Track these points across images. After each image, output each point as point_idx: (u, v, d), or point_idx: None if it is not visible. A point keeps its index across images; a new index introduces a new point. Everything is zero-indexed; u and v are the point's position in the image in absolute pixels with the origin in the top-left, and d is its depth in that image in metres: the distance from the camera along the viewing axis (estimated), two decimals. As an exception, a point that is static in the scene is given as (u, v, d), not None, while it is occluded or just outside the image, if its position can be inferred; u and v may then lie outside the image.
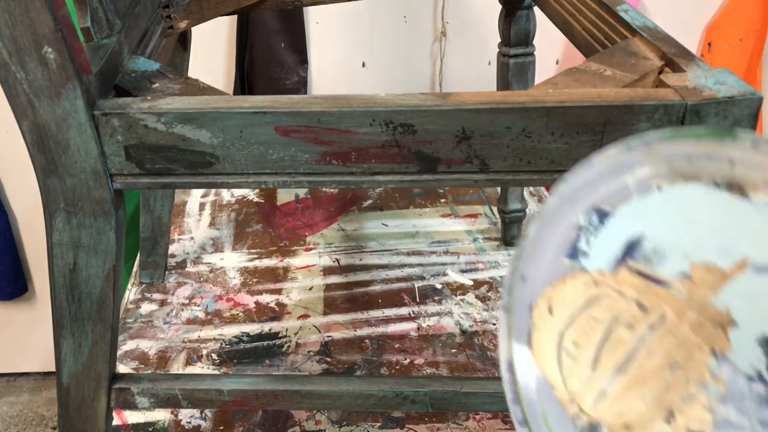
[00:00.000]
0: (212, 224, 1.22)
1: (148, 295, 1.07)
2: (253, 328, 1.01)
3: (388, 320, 1.02)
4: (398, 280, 1.09)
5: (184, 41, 0.95)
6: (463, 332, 0.99)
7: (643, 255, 0.44)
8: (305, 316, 1.02)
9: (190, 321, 1.02)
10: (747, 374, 0.43)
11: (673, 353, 0.43)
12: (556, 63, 1.42)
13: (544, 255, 0.44)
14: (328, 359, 0.95)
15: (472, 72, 1.40)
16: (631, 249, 0.44)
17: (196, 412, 0.88)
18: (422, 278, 1.09)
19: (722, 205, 0.45)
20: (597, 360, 0.42)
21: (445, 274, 1.10)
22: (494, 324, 1.02)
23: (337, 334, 0.99)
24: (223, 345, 0.98)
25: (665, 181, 0.46)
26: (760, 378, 0.43)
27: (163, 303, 1.06)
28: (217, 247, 1.17)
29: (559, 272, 0.43)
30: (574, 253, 0.44)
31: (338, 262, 1.13)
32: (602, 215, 0.45)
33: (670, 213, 0.45)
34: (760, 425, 0.42)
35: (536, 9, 0.98)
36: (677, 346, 0.43)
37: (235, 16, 1.33)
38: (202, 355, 0.96)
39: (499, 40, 1.04)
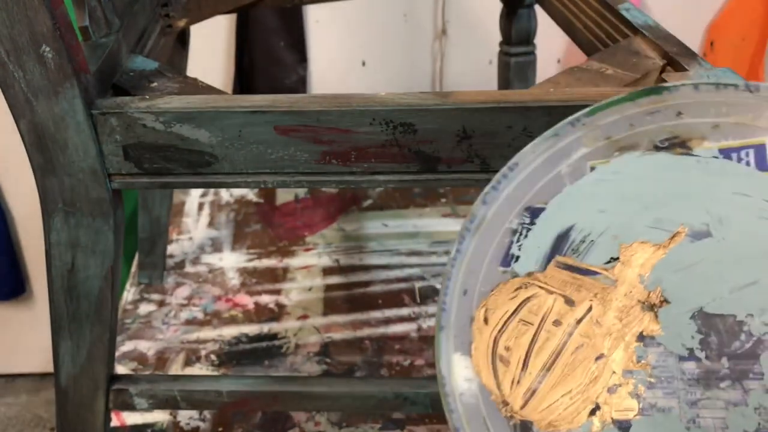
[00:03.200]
0: (211, 224, 1.22)
1: (146, 295, 1.07)
2: (252, 329, 1.00)
3: (388, 321, 1.01)
4: (398, 280, 1.08)
5: (182, 40, 0.95)
6: (464, 333, 0.99)
7: (572, 247, 0.43)
8: (305, 317, 1.02)
9: (189, 322, 1.02)
10: (678, 354, 0.42)
11: (598, 344, 0.42)
12: (558, 62, 1.41)
13: (482, 266, 0.43)
14: (328, 360, 0.95)
15: (472, 71, 1.40)
16: (559, 243, 0.43)
17: (194, 413, 0.88)
18: (423, 279, 1.08)
19: (660, 170, 0.43)
20: (526, 361, 0.42)
21: (445, 275, 1.09)
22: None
23: (336, 335, 0.99)
24: (222, 346, 0.97)
25: (600, 159, 0.43)
26: (692, 356, 0.42)
27: (161, 303, 1.05)
28: (215, 247, 1.16)
29: (494, 281, 0.43)
30: (508, 259, 0.43)
31: (338, 263, 1.12)
32: (534, 213, 0.43)
33: (602, 195, 0.43)
34: (689, 406, 0.41)
35: (537, 7, 0.98)
36: (602, 336, 0.42)
37: (234, 15, 1.32)
38: (200, 356, 0.96)
39: (500, 39, 1.03)
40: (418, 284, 1.08)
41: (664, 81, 0.58)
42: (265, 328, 1.00)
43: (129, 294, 1.07)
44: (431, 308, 1.03)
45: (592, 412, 0.42)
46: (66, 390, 0.66)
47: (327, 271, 1.11)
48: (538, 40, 1.03)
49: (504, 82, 1.05)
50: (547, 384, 0.42)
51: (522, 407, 0.42)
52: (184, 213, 1.25)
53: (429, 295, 1.05)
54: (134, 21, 0.69)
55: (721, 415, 0.41)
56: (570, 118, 0.43)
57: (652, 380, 0.42)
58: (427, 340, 0.98)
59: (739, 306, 0.41)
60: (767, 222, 0.41)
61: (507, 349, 0.43)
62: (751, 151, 0.41)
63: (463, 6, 1.35)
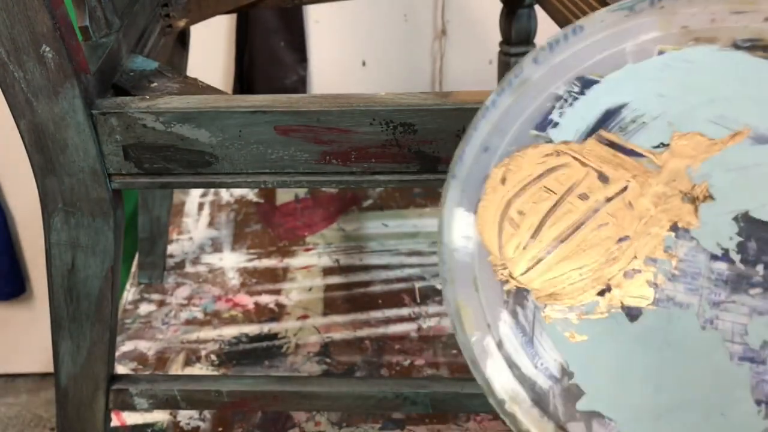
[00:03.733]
0: (211, 224, 1.22)
1: (146, 295, 1.07)
2: (252, 329, 1.00)
3: (388, 321, 1.01)
4: (398, 280, 1.08)
5: (183, 40, 0.95)
6: (464, 333, 0.98)
7: (620, 125, 0.40)
8: (305, 317, 1.02)
9: (189, 322, 1.02)
10: (711, 252, 0.40)
11: (625, 226, 0.40)
12: (557, 62, 1.41)
13: (512, 127, 0.40)
14: (328, 360, 0.95)
15: (472, 71, 1.40)
16: (607, 118, 0.40)
17: (194, 413, 0.88)
18: (423, 279, 1.08)
19: (735, 69, 0.40)
20: (539, 228, 0.40)
21: (445, 275, 1.09)
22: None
23: (336, 335, 0.99)
24: (222, 346, 0.97)
25: (671, 45, 0.40)
26: (726, 257, 0.40)
27: (161, 303, 1.05)
28: (216, 247, 1.16)
29: (523, 143, 0.40)
30: (545, 123, 0.40)
31: (338, 263, 1.12)
32: (586, 84, 0.40)
33: (666, 80, 0.40)
34: (710, 306, 0.39)
35: (537, 7, 0.98)
36: (633, 218, 0.40)
37: (234, 15, 1.32)
38: (200, 356, 0.96)
39: (500, 39, 1.03)
40: (418, 284, 1.08)
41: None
42: (265, 328, 1.00)
43: (129, 294, 1.07)
44: (431, 308, 1.03)
45: (601, 293, 0.40)
46: (66, 390, 0.66)
47: (327, 271, 1.11)
48: (538, 40, 1.03)
49: (504, 82, 1.05)
50: (557, 255, 0.40)
51: (523, 273, 0.40)
52: (184, 213, 1.25)
53: (429, 295, 1.05)
54: (134, 21, 0.69)
55: (743, 321, 0.39)
56: None
57: (676, 273, 0.40)
58: (427, 340, 0.98)
59: None
60: None
61: (520, 213, 0.40)
62: None
63: (463, 6, 1.35)
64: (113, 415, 0.86)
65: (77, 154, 0.56)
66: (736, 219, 0.40)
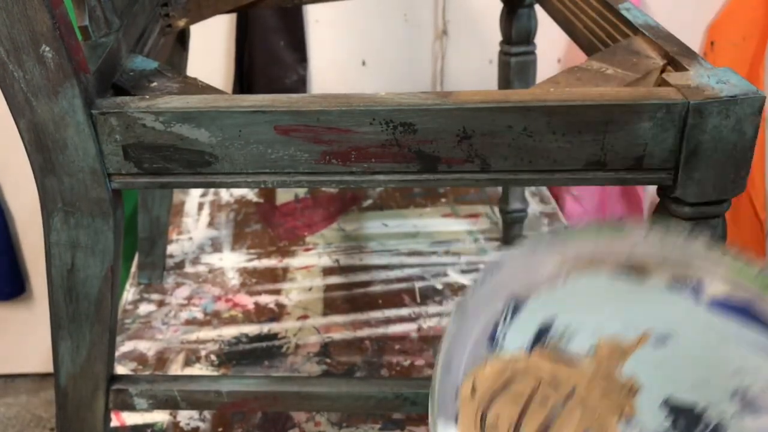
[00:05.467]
0: (211, 224, 1.22)
1: (146, 295, 1.07)
2: (252, 329, 1.00)
3: (388, 321, 1.01)
4: (399, 280, 1.08)
5: (182, 40, 0.95)
6: (464, 333, 0.99)
7: (557, 334, 0.49)
8: (305, 317, 1.02)
9: (189, 322, 1.02)
10: None
11: (585, 421, 0.47)
12: (558, 61, 1.41)
13: (467, 344, 0.48)
14: (328, 360, 0.95)
15: (473, 71, 1.40)
16: (543, 333, 0.49)
17: (194, 413, 0.88)
18: (423, 279, 1.08)
19: (623, 289, 0.50)
20: (518, 427, 0.46)
21: (446, 275, 1.09)
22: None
23: (336, 335, 0.99)
24: (222, 346, 0.97)
25: (573, 270, 0.50)
26: None
27: (161, 304, 1.05)
28: (215, 247, 1.16)
29: (481, 358, 0.47)
30: (494, 341, 0.48)
31: (338, 263, 1.12)
32: (517, 305, 0.49)
33: (578, 297, 0.50)
34: None
35: (537, 7, 0.98)
36: (589, 414, 0.47)
37: (234, 15, 1.32)
38: (200, 356, 0.96)
39: (501, 39, 1.03)
40: (418, 284, 1.08)
41: (665, 81, 0.58)
42: (265, 328, 1.00)
43: (129, 294, 1.07)
44: (431, 308, 1.03)
45: None
46: (66, 390, 0.65)
47: (327, 271, 1.11)
48: (539, 39, 1.03)
49: (504, 82, 1.05)
50: None
51: None
52: (184, 213, 1.25)
53: (429, 295, 1.05)
54: (134, 21, 0.69)
55: None
56: (552, 238, 0.51)
57: None
58: (427, 340, 0.98)
59: (699, 397, 0.47)
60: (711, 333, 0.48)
61: (497, 417, 0.46)
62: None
63: (463, 6, 1.35)
64: (113, 416, 0.86)
65: (77, 153, 0.56)
66: (663, 405, 0.47)
